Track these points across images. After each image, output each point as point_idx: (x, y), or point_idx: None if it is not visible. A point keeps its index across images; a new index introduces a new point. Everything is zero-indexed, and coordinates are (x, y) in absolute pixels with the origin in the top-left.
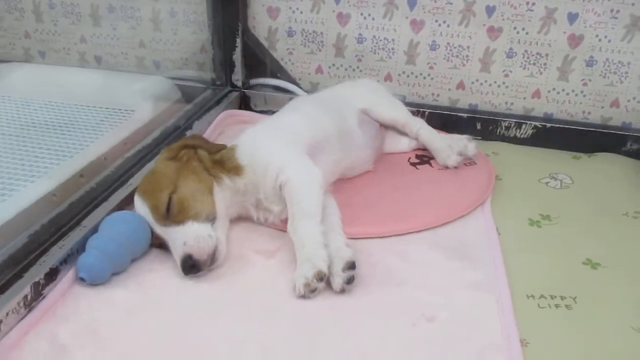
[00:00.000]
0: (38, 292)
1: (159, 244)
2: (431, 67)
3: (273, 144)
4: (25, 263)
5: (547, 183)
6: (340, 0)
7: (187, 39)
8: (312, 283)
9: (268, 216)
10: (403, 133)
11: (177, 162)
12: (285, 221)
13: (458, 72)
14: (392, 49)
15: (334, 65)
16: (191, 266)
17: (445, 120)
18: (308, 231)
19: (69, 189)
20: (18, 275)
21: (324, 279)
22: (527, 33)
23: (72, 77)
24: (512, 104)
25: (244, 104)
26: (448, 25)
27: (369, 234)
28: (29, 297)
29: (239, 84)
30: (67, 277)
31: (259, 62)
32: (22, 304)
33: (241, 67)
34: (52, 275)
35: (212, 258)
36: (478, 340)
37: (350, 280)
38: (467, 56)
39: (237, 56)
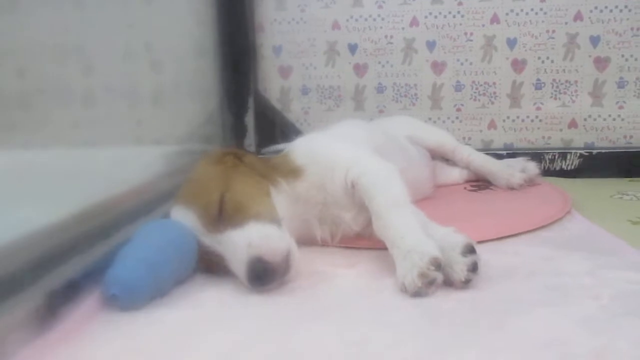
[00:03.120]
0: (53, 309)
1: (208, 264)
2: (458, 109)
3: (336, 143)
4: (35, 272)
5: (621, 197)
6: (356, 51)
7: (193, 108)
8: (429, 271)
9: (337, 229)
10: (452, 163)
11: (223, 166)
12: (364, 229)
13: (487, 110)
14: (415, 94)
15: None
16: (261, 273)
17: None
18: (404, 220)
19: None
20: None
21: (441, 266)
22: (552, 62)
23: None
24: (549, 137)
25: None
26: (470, 63)
27: None
28: (40, 313)
29: (252, 149)
30: (91, 298)
31: (272, 125)
32: (31, 320)
33: (253, 132)
34: (70, 290)
35: (286, 264)
36: None
37: (474, 267)
38: (494, 93)
39: (249, 119)
